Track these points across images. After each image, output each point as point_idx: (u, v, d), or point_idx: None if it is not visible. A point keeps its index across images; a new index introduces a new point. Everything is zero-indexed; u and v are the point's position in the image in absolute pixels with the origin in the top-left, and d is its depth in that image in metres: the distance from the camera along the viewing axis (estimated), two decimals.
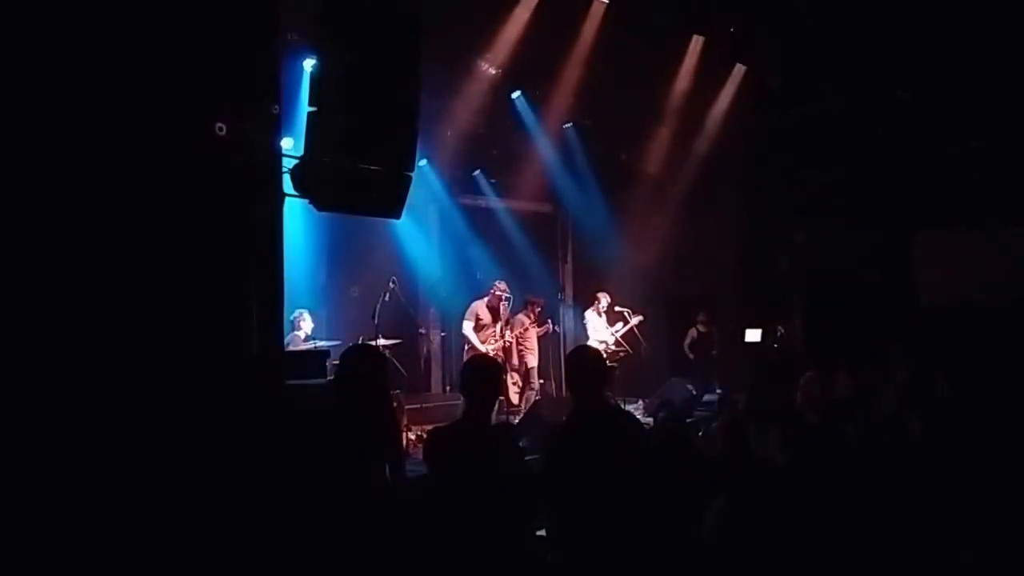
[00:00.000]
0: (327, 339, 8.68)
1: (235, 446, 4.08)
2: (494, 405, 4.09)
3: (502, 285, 9.65)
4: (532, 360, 10.05)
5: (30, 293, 3.70)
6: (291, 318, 8.46)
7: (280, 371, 4.60)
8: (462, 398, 3.96)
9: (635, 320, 10.67)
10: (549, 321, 10.38)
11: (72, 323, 3.78)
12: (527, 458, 4.14)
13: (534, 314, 10.15)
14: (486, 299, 9.65)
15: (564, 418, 3.98)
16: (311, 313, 8.91)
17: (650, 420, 7.16)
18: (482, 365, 4.12)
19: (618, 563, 3.68)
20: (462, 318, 9.68)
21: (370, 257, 10.21)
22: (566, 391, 4.19)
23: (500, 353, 9.55)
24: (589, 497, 3.70)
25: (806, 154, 11.20)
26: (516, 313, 10.12)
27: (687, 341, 12.22)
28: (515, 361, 9.99)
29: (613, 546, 3.69)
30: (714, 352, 12.14)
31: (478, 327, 9.50)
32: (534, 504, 3.90)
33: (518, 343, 10.02)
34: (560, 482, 3.80)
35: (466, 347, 9.65)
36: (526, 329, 10.06)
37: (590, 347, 5.88)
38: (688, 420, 7.24)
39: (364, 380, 4.00)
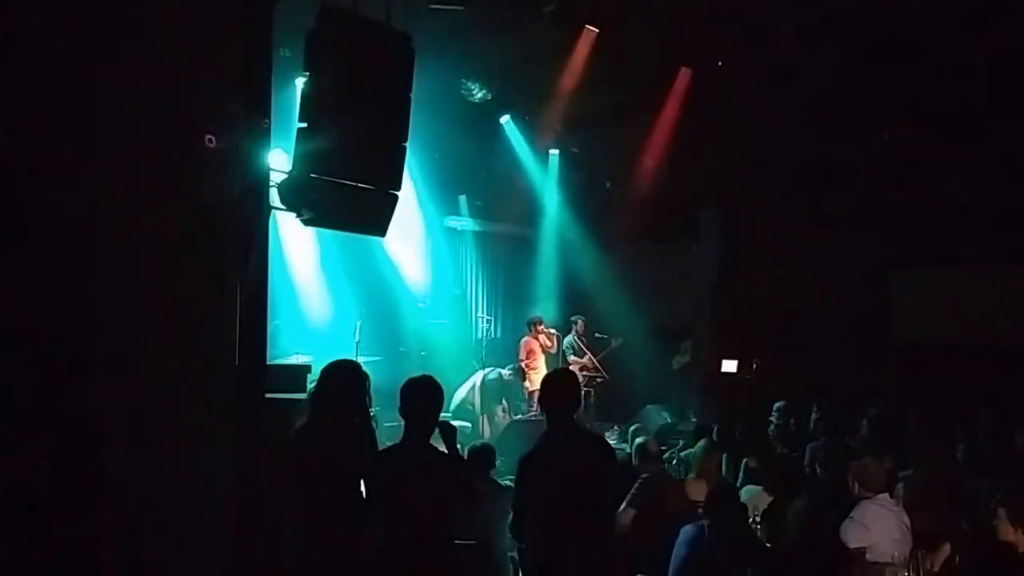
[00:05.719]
0: (304, 354, 8.65)
1: (214, 457, 4.08)
2: (432, 428, 3.85)
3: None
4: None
5: (10, 298, 3.69)
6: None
7: (262, 384, 4.59)
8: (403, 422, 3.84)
9: (615, 343, 10.80)
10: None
11: (53, 330, 3.77)
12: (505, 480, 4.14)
13: (539, 333, 10.57)
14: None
15: (538, 439, 4.00)
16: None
17: (625, 446, 7.20)
18: (419, 386, 3.89)
19: None
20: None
21: (354, 274, 10.23)
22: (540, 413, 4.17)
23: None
24: (559, 518, 3.73)
25: (784, 190, 11.34)
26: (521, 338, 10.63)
27: (677, 368, 12.26)
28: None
29: (582, 568, 3.71)
30: (694, 381, 12.18)
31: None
32: (486, 531, 3.88)
33: (528, 367, 10.45)
34: (531, 503, 3.82)
35: None
36: (531, 352, 10.45)
37: (566, 370, 5.92)
38: (663, 447, 7.27)
39: (343, 396, 4.00)
